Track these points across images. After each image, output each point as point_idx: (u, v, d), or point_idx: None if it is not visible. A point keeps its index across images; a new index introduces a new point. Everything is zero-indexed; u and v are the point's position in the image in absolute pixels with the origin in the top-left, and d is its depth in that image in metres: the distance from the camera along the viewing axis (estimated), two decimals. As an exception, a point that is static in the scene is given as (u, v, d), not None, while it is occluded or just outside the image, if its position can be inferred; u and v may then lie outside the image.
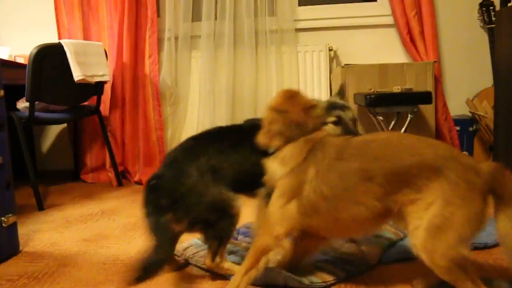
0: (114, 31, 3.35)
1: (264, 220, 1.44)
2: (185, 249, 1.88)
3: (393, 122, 2.81)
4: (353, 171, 1.31)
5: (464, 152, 3.11)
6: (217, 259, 1.54)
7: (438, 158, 1.25)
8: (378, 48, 3.41)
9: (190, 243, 1.95)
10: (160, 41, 3.40)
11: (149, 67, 3.35)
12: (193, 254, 1.83)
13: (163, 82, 3.37)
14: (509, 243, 1.26)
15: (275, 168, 1.44)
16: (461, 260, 1.21)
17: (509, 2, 2.66)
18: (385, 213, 1.31)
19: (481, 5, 3.25)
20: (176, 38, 3.39)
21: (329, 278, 1.54)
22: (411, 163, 1.26)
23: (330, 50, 3.33)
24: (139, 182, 3.34)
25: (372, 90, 2.78)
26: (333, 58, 3.41)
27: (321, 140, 1.42)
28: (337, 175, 1.33)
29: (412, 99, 2.66)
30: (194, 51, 3.41)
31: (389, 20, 3.35)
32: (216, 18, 3.33)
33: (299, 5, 3.48)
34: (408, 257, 1.74)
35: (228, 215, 1.54)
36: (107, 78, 3.12)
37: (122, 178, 3.38)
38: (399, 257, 1.75)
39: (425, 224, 1.23)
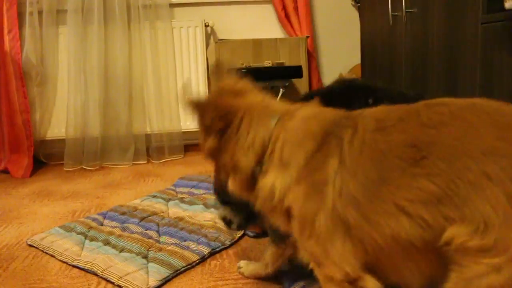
0: (-36, 3, 2.99)
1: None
2: (42, 239, 1.75)
3: (268, 97, 2.83)
4: (396, 146, 0.79)
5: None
6: None
7: None
8: (255, 24, 3.41)
9: (50, 232, 1.82)
10: (21, 15, 3.09)
11: (9, 43, 3.04)
12: (51, 243, 1.71)
13: (27, 61, 3.08)
14: None
15: (273, 180, 0.92)
16: None
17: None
18: (436, 241, 0.74)
19: (351, -16, 3.38)
20: (40, 12, 3.11)
21: (193, 258, 1.51)
22: (493, 149, 0.71)
23: (207, 26, 3.26)
24: (5, 171, 3.05)
25: (244, 65, 2.78)
26: (210, 34, 3.35)
27: (348, 114, 0.91)
28: (371, 156, 0.81)
29: (283, 73, 2.70)
30: (61, 26, 3.16)
31: (266, -4, 3.37)
32: (84, -9, 3.11)
33: (174, -21, 3.36)
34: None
35: None
36: (-43, 56, 2.79)
37: (-15, 168, 3.08)
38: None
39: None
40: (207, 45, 3.28)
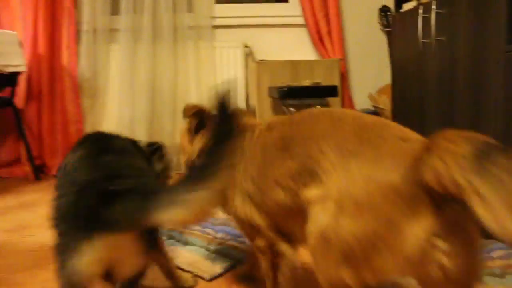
0: (27, 22, 3.29)
1: None
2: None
3: (304, 114, 3.04)
4: (274, 139, 1.14)
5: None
6: None
7: (356, 140, 0.93)
8: (290, 46, 3.64)
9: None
10: (78, 33, 3.39)
11: (67, 58, 3.34)
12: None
13: (82, 75, 3.37)
14: None
15: None
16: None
17: (401, 8, 3.00)
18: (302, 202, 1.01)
19: (380, 10, 3.61)
20: (95, 31, 3.40)
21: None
22: (326, 135, 0.99)
23: (246, 47, 3.51)
24: (57, 175, 3.31)
25: (284, 84, 3.00)
26: (248, 54, 3.59)
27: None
28: (260, 147, 1.18)
29: (320, 92, 2.93)
30: (113, 44, 3.44)
31: (300, 20, 3.60)
32: (135, 12, 3.39)
33: (216, 2, 3.61)
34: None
35: None
36: (23, 68, 3.07)
37: (39, 173, 3.34)
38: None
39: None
40: (246, 65, 3.52)
